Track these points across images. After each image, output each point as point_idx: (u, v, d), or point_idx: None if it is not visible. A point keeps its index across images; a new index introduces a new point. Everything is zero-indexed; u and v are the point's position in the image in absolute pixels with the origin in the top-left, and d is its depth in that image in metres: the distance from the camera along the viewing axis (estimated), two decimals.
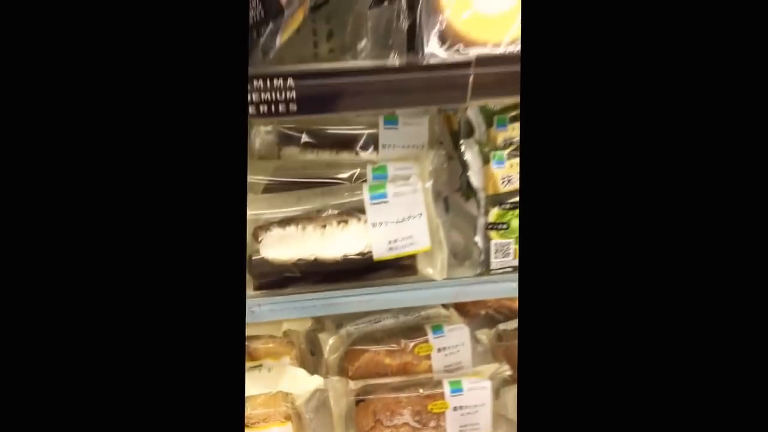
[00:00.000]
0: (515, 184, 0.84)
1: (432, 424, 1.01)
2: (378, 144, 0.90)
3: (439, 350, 1.07)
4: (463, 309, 1.18)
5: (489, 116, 0.90)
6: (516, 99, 0.91)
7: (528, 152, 0.47)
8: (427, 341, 1.07)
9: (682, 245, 0.43)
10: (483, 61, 0.64)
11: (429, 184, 0.82)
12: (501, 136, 0.90)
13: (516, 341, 1.11)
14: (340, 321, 1.12)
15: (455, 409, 1.01)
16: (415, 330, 1.09)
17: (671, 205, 0.44)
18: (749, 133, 0.42)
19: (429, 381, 1.03)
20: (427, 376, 1.06)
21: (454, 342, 1.08)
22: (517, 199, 0.84)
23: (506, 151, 0.83)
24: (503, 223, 0.85)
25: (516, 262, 0.87)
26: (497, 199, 0.85)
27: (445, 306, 1.14)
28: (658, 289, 0.44)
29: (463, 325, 1.09)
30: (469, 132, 0.91)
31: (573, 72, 0.45)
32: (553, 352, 0.45)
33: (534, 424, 0.45)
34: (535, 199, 0.46)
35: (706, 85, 0.43)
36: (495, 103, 0.87)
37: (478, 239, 0.87)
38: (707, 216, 0.43)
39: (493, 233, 0.85)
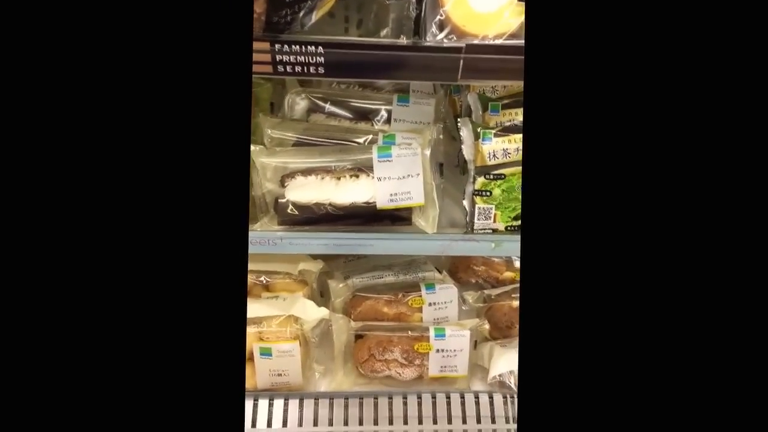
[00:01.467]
0: (499, 159, 1.01)
1: (417, 361, 1.18)
2: (391, 118, 1.08)
3: (430, 304, 1.24)
4: (455, 276, 1.35)
5: (485, 102, 1.07)
6: (500, 83, 1.09)
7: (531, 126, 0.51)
8: (420, 295, 1.24)
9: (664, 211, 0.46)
10: (472, 48, 0.82)
11: (428, 151, 1.00)
12: (494, 120, 1.07)
13: (498, 304, 1.27)
14: (348, 273, 1.29)
15: (437, 351, 1.18)
16: (411, 286, 1.26)
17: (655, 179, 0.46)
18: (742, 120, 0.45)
19: (418, 326, 1.20)
20: (419, 324, 1.23)
21: (444, 299, 1.24)
22: (499, 171, 1.01)
23: (494, 131, 1.00)
24: (487, 191, 1.02)
25: (495, 225, 1.04)
26: (483, 170, 1.01)
27: (439, 271, 1.31)
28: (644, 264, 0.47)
29: (452, 285, 1.25)
30: (468, 114, 1.09)
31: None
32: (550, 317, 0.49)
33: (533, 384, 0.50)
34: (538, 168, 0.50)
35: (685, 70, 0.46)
36: (482, 84, 1.05)
37: (466, 203, 1.04)
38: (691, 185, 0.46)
39: (477, 199, 1.02)
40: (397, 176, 0.98)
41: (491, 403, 1.24)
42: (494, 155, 1.01)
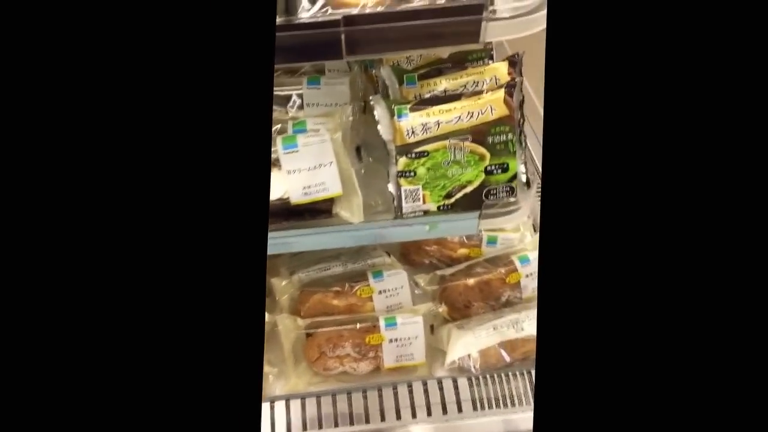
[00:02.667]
0: (419, 135, 0.93)
1: (371, 354, 1.13)
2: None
3: (380, 292, 1.18)
4: (408, 258, 1.28)
5: (400, 75, 0.98)
6: (394, 54, 0.99)
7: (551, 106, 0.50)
8: (368, 284, 1.18)
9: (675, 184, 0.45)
10: (351, 20, 0.73)
11: (338, 135, 0.92)
12: (411, 93, 0.99)
13: (452, 284, 1.21)
14: (293, 268, 1.24)
15: (390, 341, 1.12)
16: (359, 275, 1.20)
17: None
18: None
19: (368, 317, 1.14)
20: (370, 315, 1.17)
21: (394, 285, 1.18)
22: (421, 148, 0.93)
23: (409, 106, 0.92)
24: (411, 171, 0.94)
25: (426, 207, 0.97)
26: (404, 150, 0.93)
27: (388, 254, 1.25)
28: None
29: (401, 270, 1.19)
30: (385, 89, 1.01)
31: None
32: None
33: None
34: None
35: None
36: (376, 57, 0.96)
37: (391, 187, 0.96)
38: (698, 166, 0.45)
39: (402, 180, 0.95)
40: (308, 167, 0.91)
41: (456, 387, 1.18)
42: (413, 132, 0.93)
